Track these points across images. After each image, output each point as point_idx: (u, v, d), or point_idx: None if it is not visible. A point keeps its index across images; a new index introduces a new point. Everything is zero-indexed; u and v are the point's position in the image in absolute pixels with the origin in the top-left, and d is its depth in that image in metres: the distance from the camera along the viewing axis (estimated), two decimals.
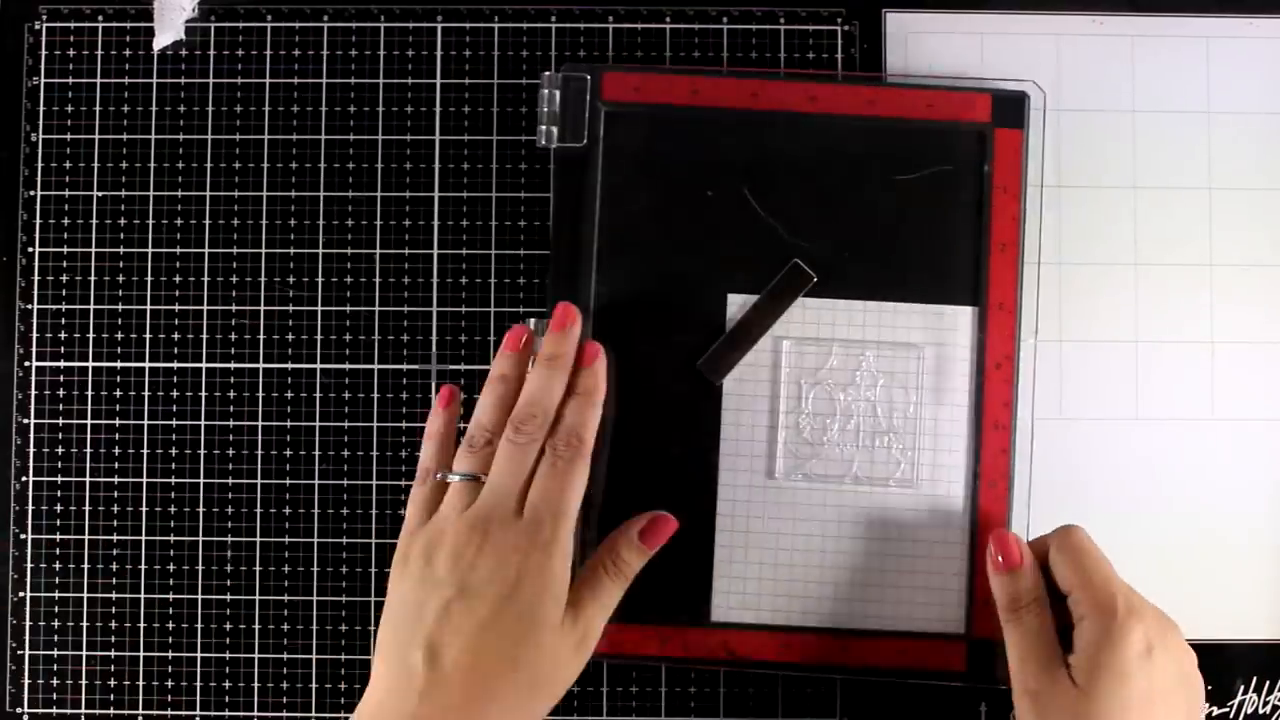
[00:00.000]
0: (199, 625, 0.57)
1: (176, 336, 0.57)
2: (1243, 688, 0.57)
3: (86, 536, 0.57)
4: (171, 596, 0.57)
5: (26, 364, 0.58)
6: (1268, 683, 0.57)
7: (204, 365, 0.57)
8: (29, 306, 0.58)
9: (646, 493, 0.54)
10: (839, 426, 0.55)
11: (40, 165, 0.58)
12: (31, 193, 0.58)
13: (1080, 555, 0.49)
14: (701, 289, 0.55)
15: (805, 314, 0.55)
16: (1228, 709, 0.57)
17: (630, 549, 0.52)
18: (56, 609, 0.57)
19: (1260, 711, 0.57)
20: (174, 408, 0.57)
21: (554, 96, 0.56)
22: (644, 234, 0.55)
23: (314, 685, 0.57)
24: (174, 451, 0.57)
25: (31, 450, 0.57)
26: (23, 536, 0.57)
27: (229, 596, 0.57)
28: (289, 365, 0.57)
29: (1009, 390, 0.54)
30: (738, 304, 0.55)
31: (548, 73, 0.56)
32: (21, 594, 0.57)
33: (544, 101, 0.56)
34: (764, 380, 0.55)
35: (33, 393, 0.58)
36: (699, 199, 0.55)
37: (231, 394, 0.57)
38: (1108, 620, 0.47)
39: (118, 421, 0.57)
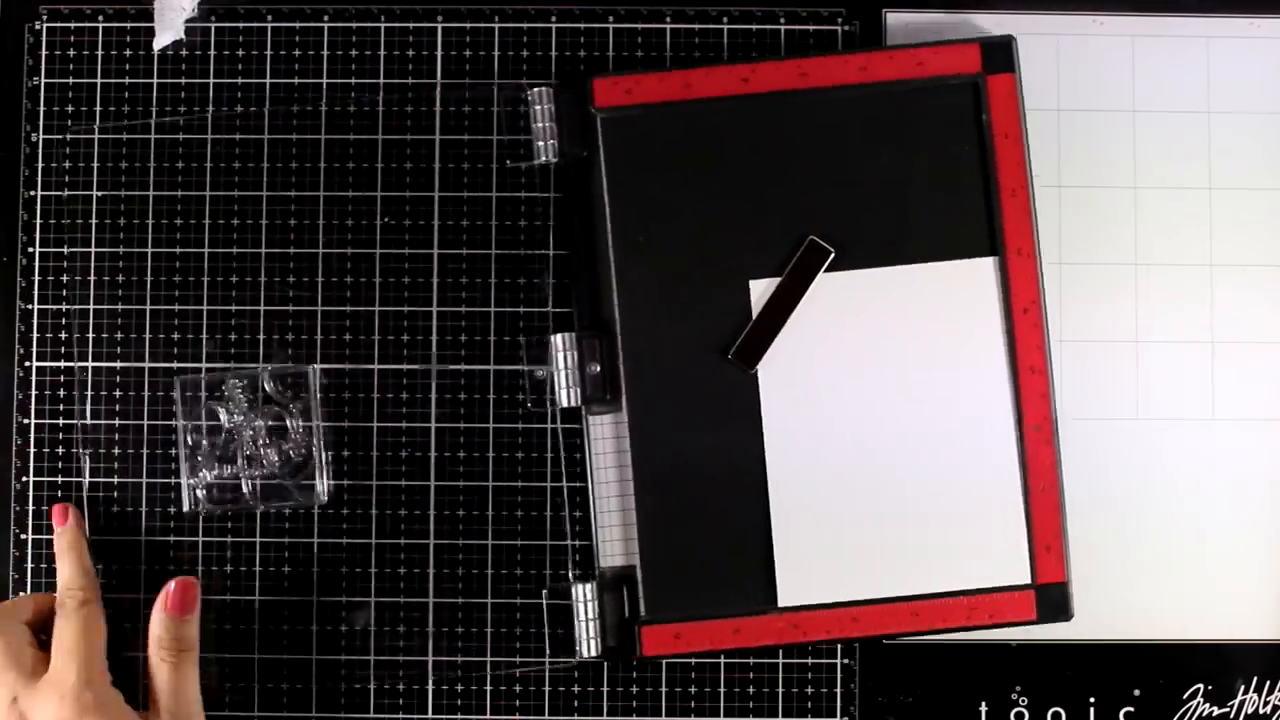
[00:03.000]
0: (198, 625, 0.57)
1: (176, 336, 0.57)
2: (1243, 688, 0.57)
3: (86, 536, 0.57)
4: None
5: (26, 364, 0.58)
6: (1268, 683, 0.57)
7: (204, 365, 0.57)
8: (29, 306, 0.58)
9: (696, 488, 0.54)
10: (879, 393, 0.55)
11: (40, 165, 0.58)
12: (31, 193, 0.58)
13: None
14: (722, 280, 0.55)
15: (829, 289, 0.55)
16: (1228, 709, 0.57)
17: (168, 627, 0.54)
18: None
19: (1260, 711, 0.57)
20: (174, 408, 0.57)
21: (546, 111, 0.56)
22: (658, 234, 0.55)
23: (314, 685, 0.57)
24: (174, 451, 0.57)
25: (31, 450, 0.57)
26: (23, 536, 0.57)
27: (229, 596, 0.57)
28: (289, 365, 0.57)
29: (1040, 334, 0.54)
30: (760, 289, 0.55)
31: (537, 89, 0.56)
32: (21, 594, 0.57)
33: (537, 118, 0.56)
34: (798, 359, 0.55)
35: (33, 393, 0.57)
36: (707, 192, 0.55)
37: None
38: None
39: (118, 421, 0.57)
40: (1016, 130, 0.55)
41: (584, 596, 0.55)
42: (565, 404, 0.56)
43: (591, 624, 0.55)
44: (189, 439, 0.56)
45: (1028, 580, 0.54)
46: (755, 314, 0.55)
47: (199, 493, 0.56)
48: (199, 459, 0.56)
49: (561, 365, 0.56)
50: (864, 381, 0.55)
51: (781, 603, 0.54)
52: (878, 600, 0.54)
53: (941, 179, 0.55)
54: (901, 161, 0.55)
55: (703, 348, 0.55)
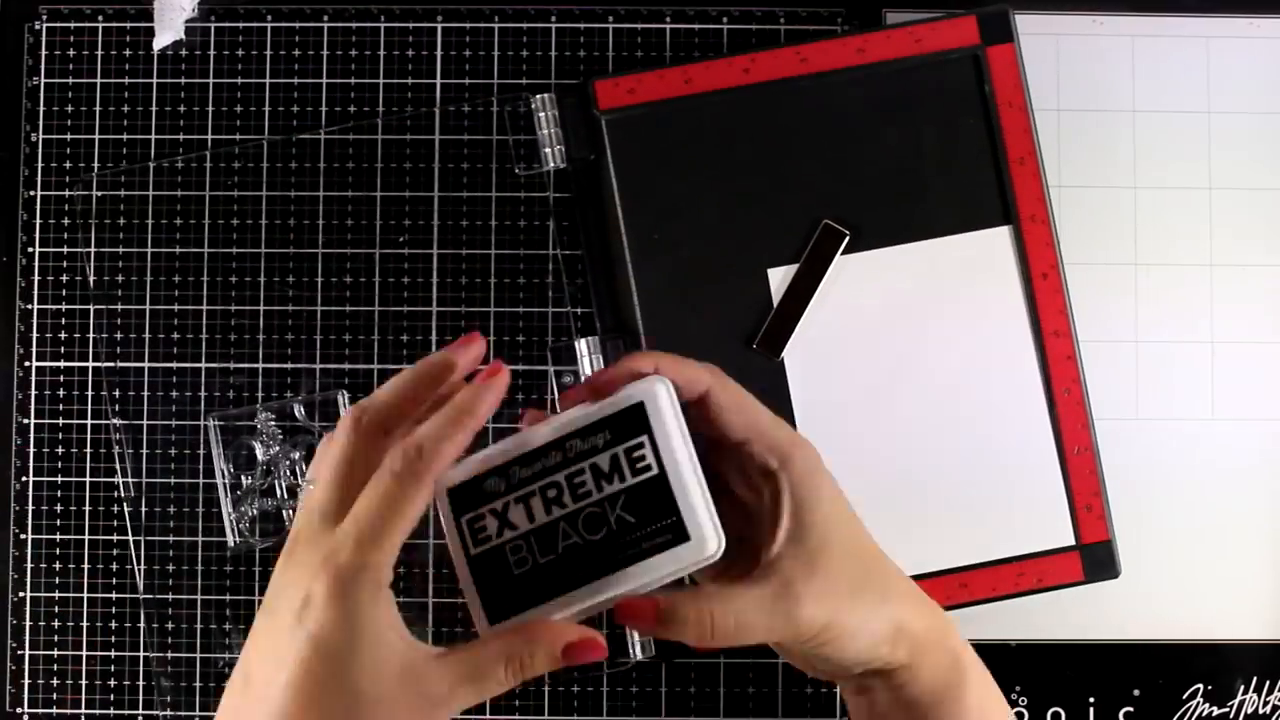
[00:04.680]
0: (199, 625, 0.57)
1: (176, 336, 0.57)
2: (1243, 688, 0.57)
3: (86, 536, 0.57)
4: (171, 596, 0.57)
5: (26, 364, 0.58)
6: (1268, 683, 0.57)
7: (204, 365, 0.57)
8: (29, 306, 0.58)
9: None
10: (907, 370, 0.55)
11: (40, 165, 0.58)
12: (31, 193, 0.58)
13: (746, 397, 0.43)
14: (741, 270, 0.55)
15: (847, 270, 0.55)
16: (1228, 709, 0.57)
17: (548, 659, 0.41)
18: (56, 609, 0.57)
19: (1260, 711, 0.57)
20: (173, 408, 0.57)
21: (551, 118, 0.56)
22: (673, 231, 0.55)
23: None
24: (174, 452, 0.57)
25: (31, 450, 0.57)
26: (23, 536, 0.57)
27: (228, 597, 0.57)
28: (289, 365, 0.57)
29: (1060, 298, 0.55)
30: (779, 277, 0.55)
31: (540, 95, 0.56)
32: (21, 594, 0.57)
33: (541, 124, 0.56)
34: (823, 342, 0.55)
35: (33, 393, 0.57)
36: (717, 184, 0.55)
37: (231, 394, 0.57)
38: (807, 453, 0.42)
39: (117, 421, 0.57)
40: (1020, 99, 0.55)
41: None
42: None
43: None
44: (228, 476, 0.56)
45: (1072, 541, 0.55)
46: (776, 302, 0.55)
47: (243, 526, 0.56)
48: (239, 494, 0.57)
49: (587, 371, 0.56)
50: (890, 359, 0.55)
51: None
52: (926, 575, 0.54)
53: (949, 153, 0.55)
54: (908, 138, 0.55)
55: (726, 339, 0.55)
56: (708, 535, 0.40)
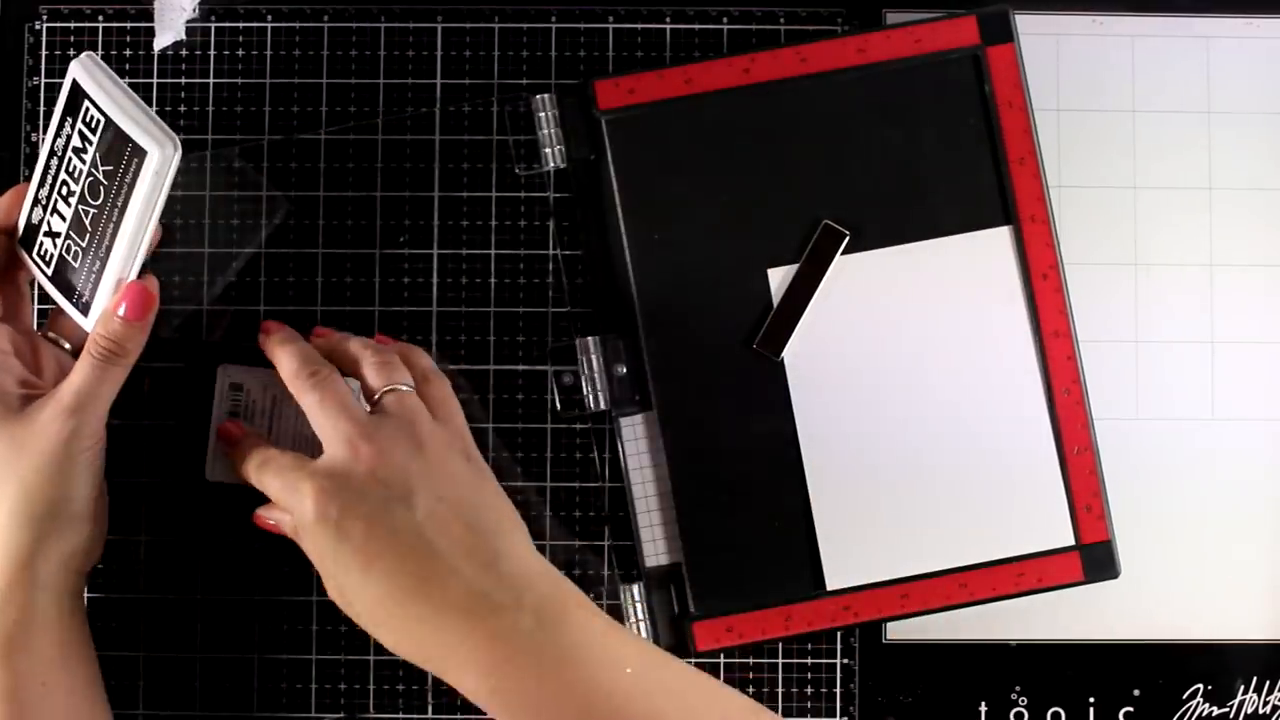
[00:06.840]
0: (198, 625, 0.57)
1: (177, 336, 0.57)
2: (1243, 688, 0.57)
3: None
4: (171, 597, 0.57)
5: None
6: (1268, 683, 0.57)
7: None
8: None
9: (734, 480, 0.55)
10: (907, 371, 0.55)
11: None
12: None
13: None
14: (741, 271, 0.55)
15: (847, 271, 0.55)
16: (1228, 709, 0.57)
17: (110, 324, 0.49)
18: None
19: (1260, 711, 0.57)
20: (173, 408, 0.57)
21: (551, 118, 0.56)
22: (672, 231, 0.55)
23: (314, 685, 0.57)
24: (174, 452, 0.57)
25: None
26: None
27: (229, 597, 0.57)
28: None
29: (1061, 298, 0.55)
30: (779, 277, 0.55)
31: (540, 95, 0.56)
32: None
33: (541, 124, 0.56)
34: (823, 342, 0.55)
35: None
36: (717, 185, 0.55)
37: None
38: None
39: (118, 421, 0.57)
40: (1020, 99, 0.55)
41: (632, 597, 0.56)
42: (594, 408, 0.56)
43: (642, 624, 0.55)
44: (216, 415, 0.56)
45: (1071, 542, 0.55)
46: (776, 302, 0.55)
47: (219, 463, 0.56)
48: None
49: (588, 370, 0.56)
50: (890, 360, 0.55)
51: (830, 586, 0.55)
52: (925, 575, 0.54)
53: (949, 153, 0.55)
54: (908, 139, 0.55)
55: (727, 340, 0.55)
56: (161, 140, 0.47)
